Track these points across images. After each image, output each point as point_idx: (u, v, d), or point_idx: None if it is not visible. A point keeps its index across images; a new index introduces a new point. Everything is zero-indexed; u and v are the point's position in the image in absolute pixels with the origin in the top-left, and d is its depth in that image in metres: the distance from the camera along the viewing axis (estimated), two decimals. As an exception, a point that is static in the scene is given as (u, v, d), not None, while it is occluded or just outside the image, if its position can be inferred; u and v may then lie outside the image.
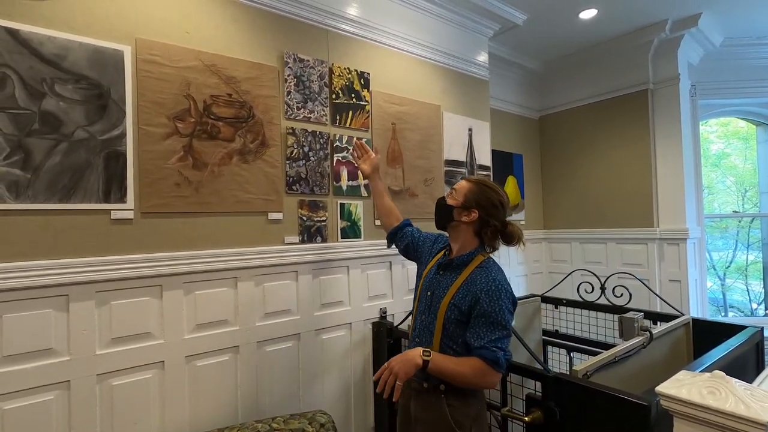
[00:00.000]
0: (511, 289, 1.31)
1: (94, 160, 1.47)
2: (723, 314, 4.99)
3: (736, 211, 4.58)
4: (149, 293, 1.57)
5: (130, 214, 1.54)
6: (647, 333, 1.86)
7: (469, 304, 1.29)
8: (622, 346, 1.70)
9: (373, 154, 1.87)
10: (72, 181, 1.42)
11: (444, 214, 1.45)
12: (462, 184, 1.44)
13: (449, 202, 1.43)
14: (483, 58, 2.92)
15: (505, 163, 3.74)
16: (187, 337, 1.65)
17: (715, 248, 4.97)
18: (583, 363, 1.52)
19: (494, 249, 1.41)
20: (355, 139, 2.10)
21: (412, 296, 2.37)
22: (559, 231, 4.00)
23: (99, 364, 1.46)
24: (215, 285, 1.73)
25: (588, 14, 2.96)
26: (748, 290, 5.03)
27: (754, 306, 5.05)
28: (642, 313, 1.98)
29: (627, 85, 3.48)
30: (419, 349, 1.27)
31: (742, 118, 4.10)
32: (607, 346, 2.38)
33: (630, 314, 1.95)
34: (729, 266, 5.20)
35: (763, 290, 4.52)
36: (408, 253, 1.71)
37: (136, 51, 1.57)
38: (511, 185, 3.80)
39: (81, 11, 1.47)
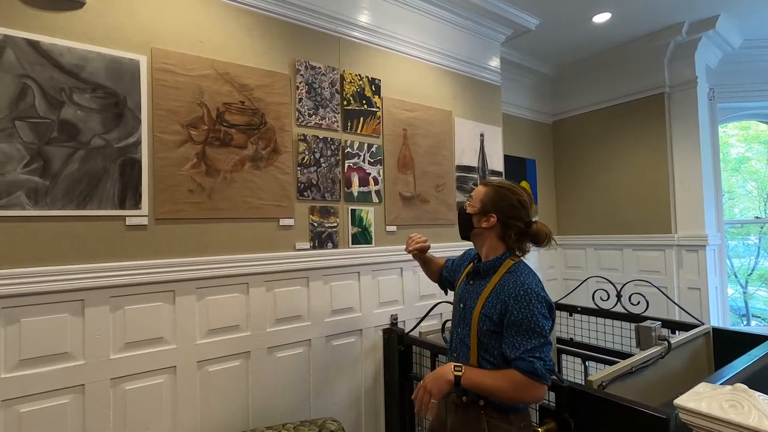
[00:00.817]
0: (544, 292, 1.24)
1: (110, 167, 1.50)
2: (745, 323, 4.83)
3: (758, 217, 4.45)
4: (162, 298, 1.59)
5: (144, 221, 1.56)
6: (665, 342, 1.81)
7: (499, 312, 1.24)
8: (640, 356, 1.66)
9: (423, 239, 1.71)
10: (89, 188, 1.45)
11: (464, 222, 1.42)
12: (478, 190, 1.42)
13: (468, 210, 1.41)
14: (495, 63, 2.91)
15: (517, 168, 3.71)
16: (199, 342, 1.66)
17: (736, 254, 4.83)
18: (598, 373, 1.49)
19: (524, 252, 1.35)
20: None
21: (424, 303, 2.36)
22: (573, 237, 3.94)
23: (113, 369, 1.48)
24: (227, 291, 1.74)
25: (602, 18, 2.92)
26: (771, 299, 4.87)
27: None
28: (659, 322, 1.92)
29: (642, 89, 3.42)
30: (451, 365, 1.23)
31: (763, 122, 4.00)
32: (623, 356, 2.33)
33: (647, 323, 1.90)
34: (751, 273, 5.05)
35: (787, 299, 4.37)
36: (453, 283, 1.64)
37: (151, 60, 1.60)
38: (523, 191, 3.76)
39: (99, 23, 1.51)
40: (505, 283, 1.27)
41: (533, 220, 1.36)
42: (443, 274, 1.67)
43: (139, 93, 1.57)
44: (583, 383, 2.49)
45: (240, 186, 1.78)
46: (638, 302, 2.52)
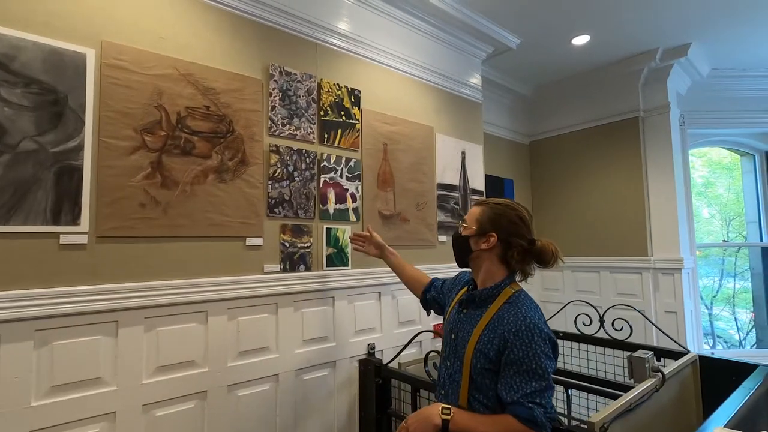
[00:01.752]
0: (547, 328, 1.12)
1: (43, 175, 1.27)
2: (711, 345, 4.92)
3: (725, 240, 4.58)
4: (101, 331, 1.35)
5: (83, 239, 1.33)
6: (659, 374, 1.71)
7: (496, 349, 1.10)
8: (637, 391, 1.54)
9: (370, 234, 1.80)
10: (14, 200, 1.22)
11: (460, 246, 1.28)
12: (472, 211, 1.28)
13: (463, 233, 1.27)
14: (476, 80, 2.84)
15: (496, 187, 3.64)
16: (146, 383, 1.42)
17: (699, 276, 4.94)
18: (598, 413, 1.35)
19: (527, 275, 1.22)
20: (349, 233, 1.99)
21: (404, 330, 2.19)
22: (550, 258, 3.89)
23: (35, 418, 1.22)
24: (182, 320, 1.51)
25: (581, 40, 2.93)
26: (736, 320, 5.00)
27: (735, 335, 5.01)
28: (652, 352, 1.83)
29: (618, 113, 3.46)
30: (438, 406, 1.08)
31: (727, 148, 4.14)
32: (608, 384, 2.23)
33: (639, 353, 1.80)
34: (716, 295, 5.18)
35: (752, 320, 4.49)
36: (442, 310, 1.51)
37: (101, 55, 1.39)
38: (501, 211, 3.69)
39: (38, 8, 1.30)
40: (504, 316, 1.13)
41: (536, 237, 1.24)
42: (430, 293, 1.52)
43: (83, 91, 1.35)
44: (566, 414, 2.38)
45: (202, 200, 1.57)
46: (621, 327, 2.45)
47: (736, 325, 5.03)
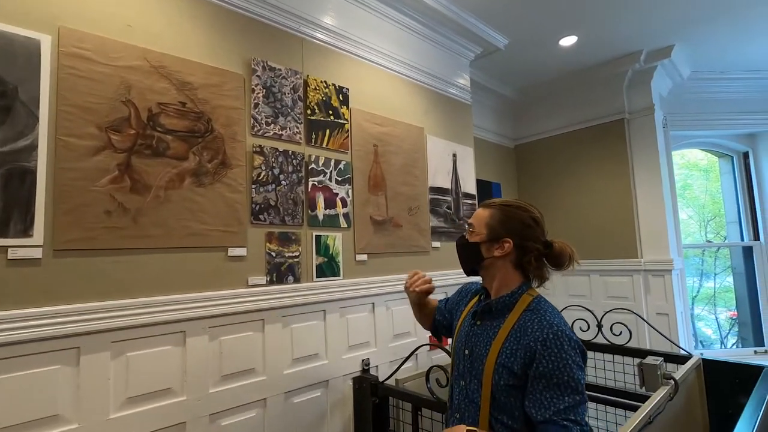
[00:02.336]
0: (574, 334, 1.01)
1: (-13, 179, 1.08)
2: (694, 345, 4.97)
3: (709, 241, 4.64)
4: (60, 359, 1.16)
5: (37, 252, 1.14)
6: (671, 382, 1.63)
7: (522, 361, 0.98)
8: (654, 401, 1.45)
9: (428, 279, 1.36)
10: (-50, 208, 1.03)
11: (470, 254, 1.15)
12: (479, 214, 1.17)
13: (471, 239, 1.15)
14: (465, 81, 2.77)
15: (484, 191, 3.56)
16: (114, 417, 1.23)
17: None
18: (624, 429, 1.25)
19: (543, 280, 1.12)
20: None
21: (399, 343, 2.05)
22: (539, 263, 3.83)
23: (-25, 469, 1.02)
24: (156, 343, 1.33)
25: (568, 41, 2.90)
26: (717, 320, 5.08)
27: (712, 336, 5.09)
28: (662, 358, 1.75)
29: (603, 115, 3.45)
30: (462, 428, 0.95)
31: (705, 150, 4.21)
32: (614, 392, 2.15)
33: (650, 360, 1.72)
34: (696, 295, 5.26)
35: (734, 319, 4.55)
36: (450, 331, 1.35)
37: (58, 42, 1.22)
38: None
39: (-19, -14, 1.12)
40: (528, 324, 1.02)
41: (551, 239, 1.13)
42: (437, 319, 1.39)
43: (37, 82, 1.18)
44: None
45: (177, 207, 1.40)
46: (620, 332, 2.38)
47: (717, 325, 5.11)
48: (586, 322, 2.50)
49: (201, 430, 1.39)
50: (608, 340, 2.39)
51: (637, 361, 1.98)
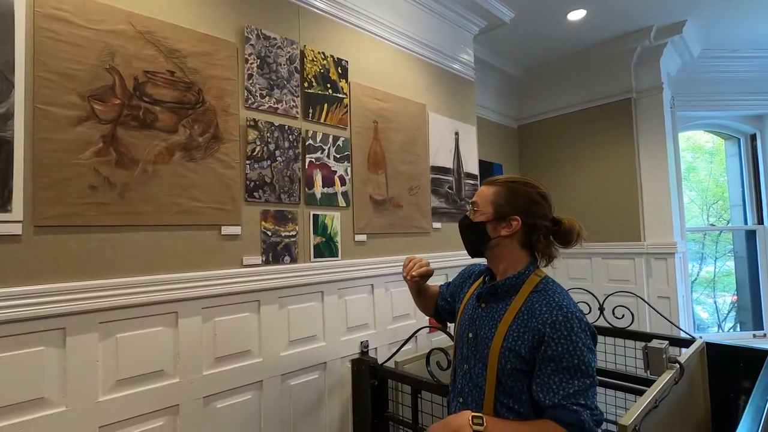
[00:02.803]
0: (584, 316, 0.97)
1: (-41, 149, 1.01)
2: (693, 328, 4.98)
3: (712, 225, 4.59)
4: (45, 340, 1.11)
5: (16, 228, 1.08)
6: (677, 365, 1.60)
7: (529, 345, 0.94)
8: (660, 385, 1.42)
9: (426, 263, 1.29)
10: None
11: (475, 235, 1.09)
12: (483, 192, 1.10)
13: (476, 218, 1.08)
14: (468, 56, 2.66)
15: (485, 173, 3.49)
16: (103, 400, 1.18)
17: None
18: (628, 414, 1.21)
19: (551, 259, 1.07)
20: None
21: (399, 325, 2.01)
22: (540, 245, 3.79)
23: (-44, 453, 0.97)
24: (146, 324, 1.28)
25: (576, 15, 2.78)
26: (716, 304, 5.08)
27: (708, 320, 5.10)
28: (668, 342, 1.71)
29: (610, 94, 3.35)
30: (467, 414, 0.91)
31: (711, 132, 4.12)
32: (617, 375, 2.13)
33: (655, 343, 1.68)
34: (695, 279, 5.25)
35: (734, 303, 4.55)
36: (454, 312, 1.27)
37: (34, 1, 1.13)
38: (491, 197, 3.55)
39: (-55, -64, 1.02)
40: (536, 306, 0.98)
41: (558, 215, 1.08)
42: (439, 304, 1.33)
43: (11, 46, 1.09)
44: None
45: (167, 182, 1.33)
46: (623, 315, 2.35)
47: (716, 309, 5.12)
48: (588, 305, 2.46)
49: (195, 412, 1.35)
50: (610, 324, 2.36)
51: (641, 344, 1.95)
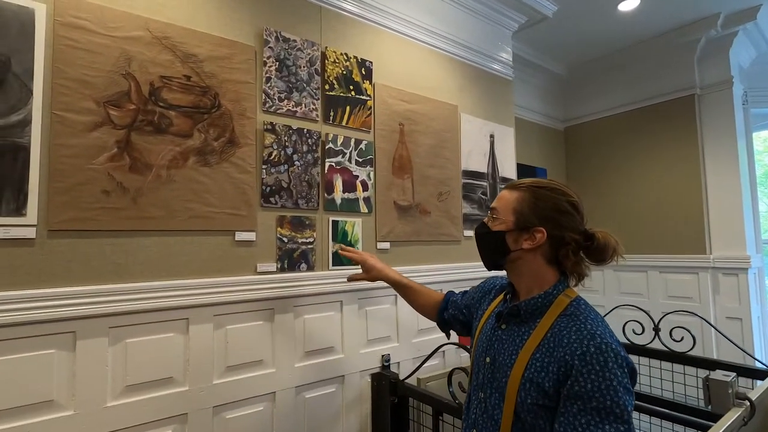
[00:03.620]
0: (623, 349, 0.81)
1: (-22, 154, 1.04)
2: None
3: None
4: (55, 343, 1.12)
5: (30, 232, 1.10)
6: (746, 403, 1.36)
7: (555, 378, 0.80)
8: (726, 425, 1.20)
9: (359, 254, 1.43)
10: (-61, 184, 0.99)
11: (492, 245, 0.96)
12: (504, 196, 0.98)
13: (494, 227, 0.96)
14: (506, 54, 2.51)
15: (527, 178, 3.28)
16: (111, 405, 1.18)
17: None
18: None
19: (582, 278, 0.92)
20: (338, 248, 1.62)
21: (424, 339, 1.89)
22: (588, 256, 3.50)
23: (-33, 452, 0.99)
24: (157, 330, 1.27)
25: (629, 5, 2.55)
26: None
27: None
28: (735, 374, 1.47)
29: (669, 91, 3.04)
30: None
31: (794, 131, 3.63)
32: (665, 404, 1.87)
33: (719, 374, 1.45)
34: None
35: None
36: (466, 329, 1.20)
37: (54, 11, 1.16)
38: (534, 203, 3.33)
39: (-27, -49, 1.07)
40: (564, 333, 0.84)
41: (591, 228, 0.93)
42: (448, 312, 1.21)
43: (32, 54, 1.12)
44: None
45: (181, 187, 1.32)
46: (682, 338, 2.08)
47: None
48: (641, 324, 2.21)
49: (204, 422, 1.32)
50: (666, 346, 2.10)
51: (703, 373, 1.70)
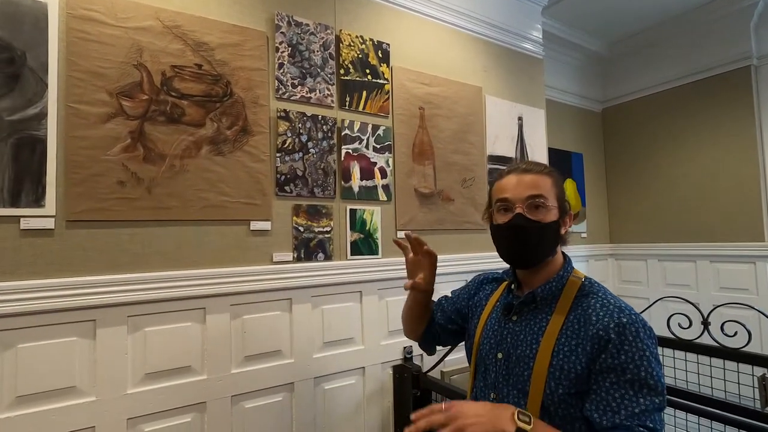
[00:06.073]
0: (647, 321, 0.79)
1: (-3, 147, 1.07)
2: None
3: None
4: (76, 331, 1.14)
5: (49, 223, 1.12)
6: (810, 405, 1.20)
7: (588, 357, 0.74)
8: (783, 432, 1.07)
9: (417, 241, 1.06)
10: (-38, 177, 1.03)
11: (546, 240, 0.84)
12: (541, 181, 0.86)
13: (548, 218, 0.84)
14: (536, 31, 2.36)
15: (561, 163, 3.11)
16: (131, 392, 1.20)
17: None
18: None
19: (565, 245, 0.91)
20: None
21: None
22: (630, 245, 3.29)
23: (-4, 434, 1.03)
24: (174, 319, 1.28)
25: (673, -30, 2.33)
26: None
27: None
28: (796, 373, 1.31)
29: (721, 63, 2.77)
30: (511, 409, 0.71)
31: None
32: (715, 403, 1.71)
33: (777, 374, 1.30)
34: None
35: None
36: (456, 334, 1.09)
37: (66, 4, 1.17)
38: (569, 190, 3.16)
39: (-13, -51, 1.09)
40: (590, 312, 0.79)
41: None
42: (437, 322, 1.10)
43: (46, 48, 1.14)
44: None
45: (194, 177, 1.32)
46: (735, 333, 1.89)
47: None
48: (687, 317, 2.03)
49: (223, 411, 1.32)
50: (717, 341, 1.91)
51: (759, 371, 1.53)
